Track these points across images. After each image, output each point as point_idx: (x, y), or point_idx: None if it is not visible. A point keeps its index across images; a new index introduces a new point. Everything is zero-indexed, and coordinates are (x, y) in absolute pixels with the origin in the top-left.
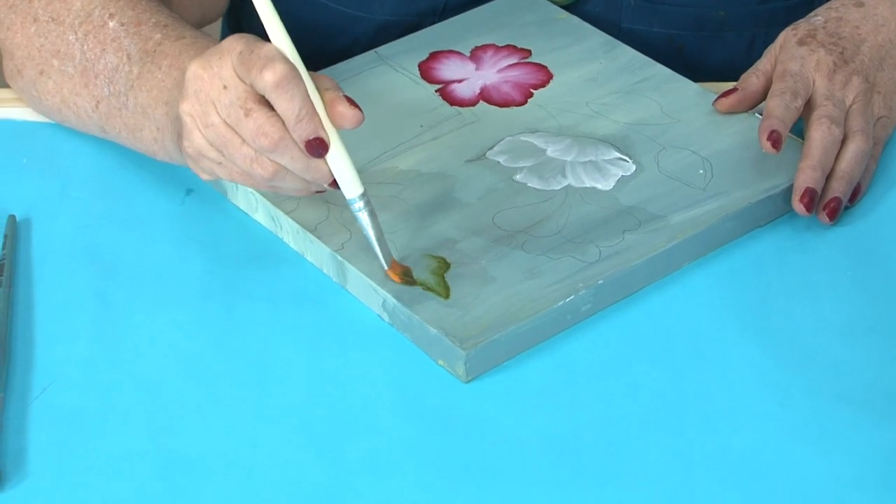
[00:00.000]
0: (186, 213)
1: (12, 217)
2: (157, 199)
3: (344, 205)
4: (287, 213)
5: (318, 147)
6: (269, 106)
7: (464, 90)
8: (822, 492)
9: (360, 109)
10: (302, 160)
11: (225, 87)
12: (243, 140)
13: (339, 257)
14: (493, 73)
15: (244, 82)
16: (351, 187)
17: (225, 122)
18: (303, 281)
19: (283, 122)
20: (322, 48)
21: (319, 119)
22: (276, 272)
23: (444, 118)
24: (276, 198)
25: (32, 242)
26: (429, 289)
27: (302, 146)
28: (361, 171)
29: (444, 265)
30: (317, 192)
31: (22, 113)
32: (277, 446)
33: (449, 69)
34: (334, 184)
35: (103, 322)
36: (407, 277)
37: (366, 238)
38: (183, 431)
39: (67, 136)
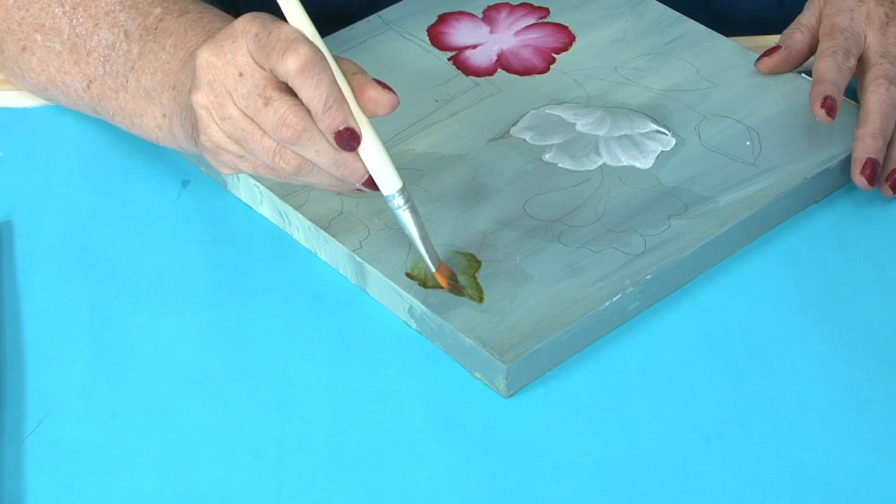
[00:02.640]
0: (184, 208)
1: None
2: (151, 192)
3: (359, 197)
4: (296, 208)
5: (349, 139)
6: (291, 92)
7: (479, 57)
8: None
9: (394, 93)
10: (329, 153)
11: (241, 75)
12: (264, 132)
13: (358, 258)
14: (509, 37)
15: (262, 68)
16: (388, 182)
17: (243, 112)
18: (317, 283)
19: (307, 111)
20: (312, 4)
21: (349, 107)
22: (288, 274)
23: (461, 91)
24: (283, 191)
25: (16, 248)
26: (460, 292)
27: (331, 138)
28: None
29: (475, 264)
30: (356, 190)
31: None
32: (303, 478)
33: (461, 34)
34: (369, 182)
35: (102, 339)
36: (454, 282)
37: (409, 238)
38: (198, 466)
39: (48, 124)
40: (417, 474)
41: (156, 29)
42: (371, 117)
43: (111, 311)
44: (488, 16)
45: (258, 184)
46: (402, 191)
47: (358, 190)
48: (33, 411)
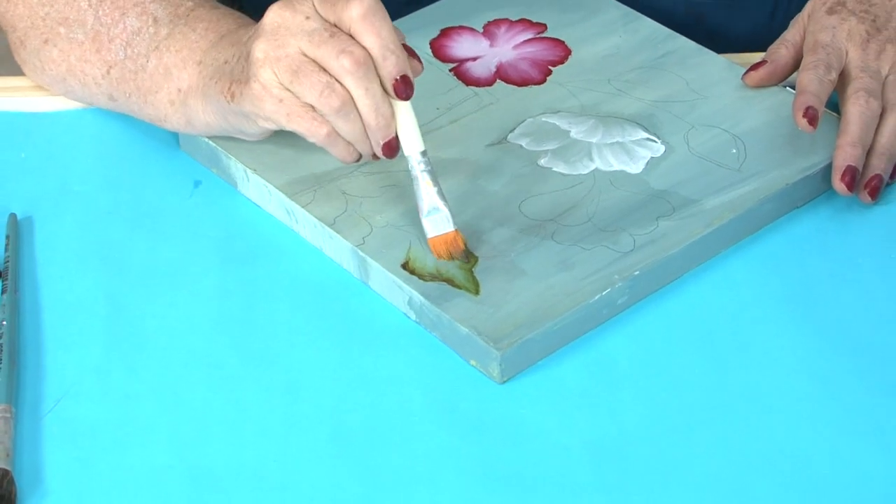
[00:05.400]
0: (196, 206)
1: (13, 216)
2: (165, 191)
3: (362, 196)
4: (303, 206)
5: (405, 87)
6: None
7: (479, 69)
8: (876, 490)
9: (420, 61)
10: (376, 95)
11: (308, 18)
12: (319, 68)
13: (361, 252)
14: (508, 50)
15: (327, 21)
16: (415, 142)
17: (302, 51)
18: (322, 277)
19: (369, 54)
20: None
21: (406, 55)
22: (294, 268)
23: (461, 100)
24: (290, 190)
25: (36, 242)
26: (457, 284)
27: (390, 85)
28: (409, 169)
29: (472, 259)
30: (369, 157)
31: (18, 104)
32: (306, 454)
33: (462, 47)
34: (388, 146)
35: (116, 326)
36: (467, 248)
37: (428, 200)
38: (208, 443)
39: (66, 127)
40: (415, 454)
41: (187, 16)
42: None
43: (126, 300)
44: (488, 30)
45: (267, 183)
46: (425, 154)
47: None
48: (51, 392)
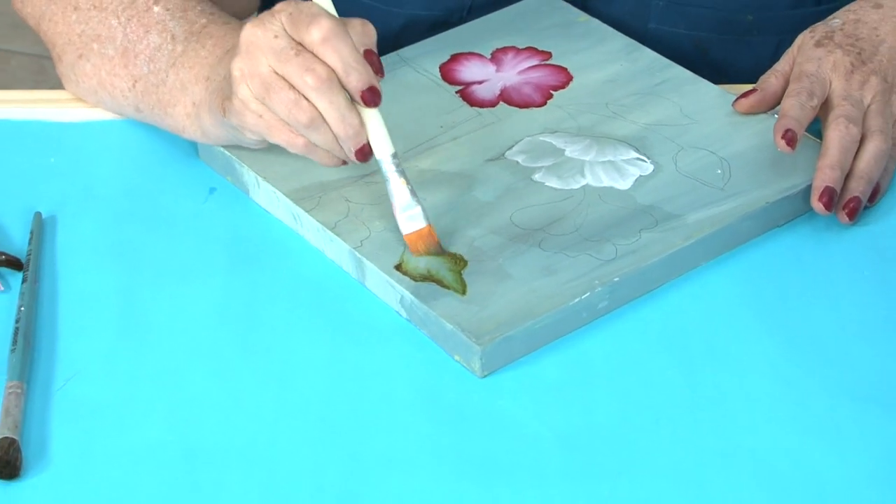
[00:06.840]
0: (209, 211)
1: (38, 214)
2: (181, 197)
3: (363, 202)
4: (307, 210)
5: (372, 95)
6: None
7: (484, 91)
8: (837, 490)
9: (381, 69)
10: (339, 109)
11: (276, 37)
12: (287, 85)
13: (358, 254)
14: (513, 75)
15: (294, 39)
16: (385, 146)
17: (272, 69)
18: (322, 277)
19: (332, 70)
20: None
21: (370, 69)
22: (297, 268)
23: (465, 119)
24: (296, 196)
25: (57, 239)
26: (446, 285)
27: (358, 97)
28: (381, 171)
29: (462, 262)
30: (342, 162)
31: (50, 114)
32: (295, 439)
33: (470, 71)
34: (360, 153)
35: (126, 316)
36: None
37: (401, 198)
38: (203, 424)
39: (93, 136)
40: (398, 441)
41: (200, 33)
42: None
43: (136, 293)
44: (496, 57)
45: (276, 190)
46: (395, 156)
47: (345, 163)
48: (62, 372)
